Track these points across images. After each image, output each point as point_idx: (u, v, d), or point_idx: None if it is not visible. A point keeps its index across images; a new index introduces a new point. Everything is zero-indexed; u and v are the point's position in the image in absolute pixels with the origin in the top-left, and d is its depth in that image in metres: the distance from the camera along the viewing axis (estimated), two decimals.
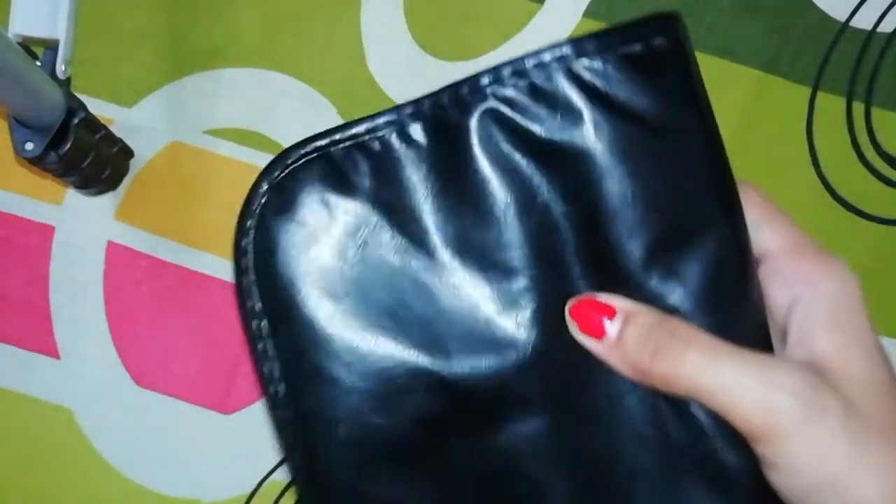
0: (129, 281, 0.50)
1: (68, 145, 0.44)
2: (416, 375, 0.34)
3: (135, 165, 0.51)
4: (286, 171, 0.36)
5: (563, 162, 0.34)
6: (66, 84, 0.45)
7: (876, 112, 0.52)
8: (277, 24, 0.52)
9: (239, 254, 0.36)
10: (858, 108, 0.52)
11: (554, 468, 0.33)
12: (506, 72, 0.34)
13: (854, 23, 0.53)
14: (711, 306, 0.32)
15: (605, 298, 0.31)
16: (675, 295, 0.32)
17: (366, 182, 0.36)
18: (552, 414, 0.33)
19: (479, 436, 0.34)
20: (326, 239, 0.36)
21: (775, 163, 0.52)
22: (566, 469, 0.33)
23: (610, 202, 0.33)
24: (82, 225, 0.51)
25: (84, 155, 0.46)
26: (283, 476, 0.48)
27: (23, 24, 0.44)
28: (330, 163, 0.36)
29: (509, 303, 0.34)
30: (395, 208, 0.36)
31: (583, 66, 0.33)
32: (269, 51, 0.51)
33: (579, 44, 0.32)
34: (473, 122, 0.34)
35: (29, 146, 0.43)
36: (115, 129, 0.49)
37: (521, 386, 0.33)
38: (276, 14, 0.52)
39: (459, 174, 0.35)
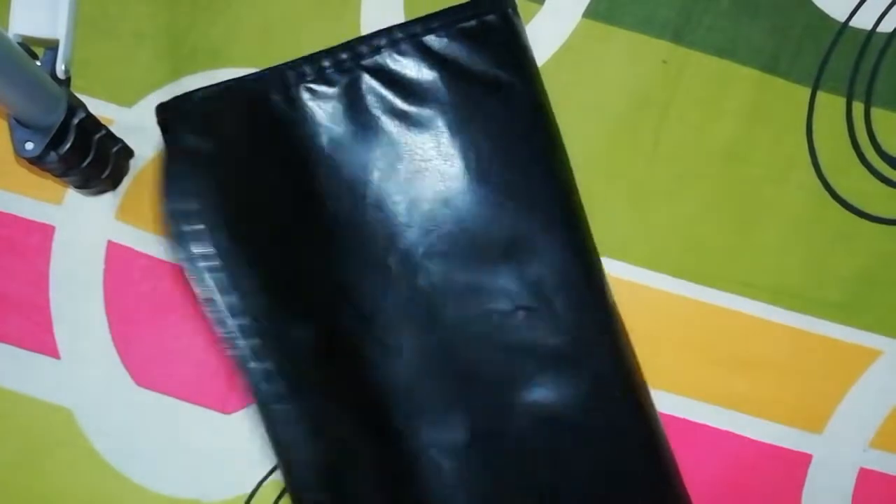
0: (129, 281, 0.50)
1: (68, 145, 0.44)
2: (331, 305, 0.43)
3: (135, 165, 0.51)
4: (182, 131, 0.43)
5: (422, 120, 0.43)
6: (66, 84, 0.45)
7: (876, 112, 0.52)
8: (277, 24, 0.52)
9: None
10: (858, 108, 0.52)
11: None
12: (365, 48, 0.43)
13: (854, 23, 0.53)
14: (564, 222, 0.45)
15: None
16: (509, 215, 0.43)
17: (264, 136, 0.43)
18: (431, 334, 0.43)
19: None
20: (236, 187, 0.43)
21: (775, 163, 0.52)
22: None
23: (460, 147, 0.43)
24: (82, 225, 0.51)
25: (84, 155, 0.46)
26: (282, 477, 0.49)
27: (23, 24, 0.44)
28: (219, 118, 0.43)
29: (392, 238, 0.43)
30: (290, 163, 0.43)
31: (431, 39, 0.43)
32: (269, 51, 0.51)
33: (426, 21, 0.43)
34: (346, 88, 0.43)
35: (29, 146, 0.43)
36: (115, 129, 0.49)
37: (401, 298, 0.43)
38: (276, 14, 0.52)
39: (343, 132, 0.43)
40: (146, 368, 0.50)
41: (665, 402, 0.49)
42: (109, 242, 0.51)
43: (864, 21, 0.53)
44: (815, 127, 0.52)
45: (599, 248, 0.48)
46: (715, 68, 0.52)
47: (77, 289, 0.50)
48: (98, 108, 0.50)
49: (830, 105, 0.52)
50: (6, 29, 0.43)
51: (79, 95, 0.46)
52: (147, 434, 0.50)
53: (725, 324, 0.51)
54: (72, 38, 0.45)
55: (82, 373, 0.50)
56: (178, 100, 0.44)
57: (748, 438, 0.50)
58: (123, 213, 0.51)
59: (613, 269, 0.50)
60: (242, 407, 0.50)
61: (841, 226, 0.52)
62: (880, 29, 0.53)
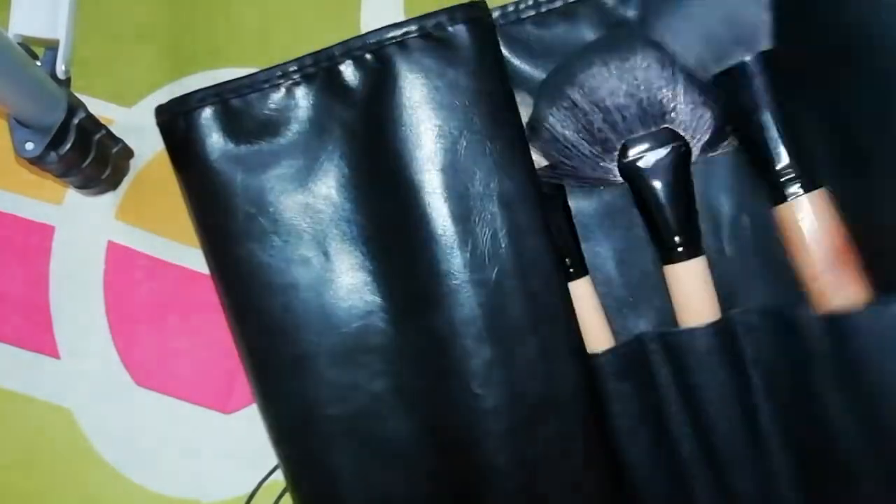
0: (129, 281, 0.50)
1: (68, 145, 0.44)
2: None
3: (135, 165, 0.51)
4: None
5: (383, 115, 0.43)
6: (66, 84, 0.45)
7: None
8: (277, 24, 0.52)
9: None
10: None
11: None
12: (359, 43, 0.44)
13: None
14: None
15: None
16: None
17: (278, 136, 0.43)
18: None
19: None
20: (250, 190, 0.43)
21: None
22: None
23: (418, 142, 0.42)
24: (82, 225, 0.51)
25: (84, 155, 0.46)
26: (282, 476, 0.49)
27: (23, 24, 0.44)
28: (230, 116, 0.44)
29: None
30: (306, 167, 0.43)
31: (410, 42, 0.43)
32: (269, 51, 0.51)
33: (404, 24, 0.43)
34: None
35: (29, 146, 0.43)
36: (115, 129, 0.49)
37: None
38: (276, 14, 0.52)
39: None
40: (146, 368, 0.50)
41: None
42: (109, 242, 0.51)
43: None
44: None
45: None
46: None
47: (77, 289, 0.50)
48: (98, 108, 0.50)
49: None
50: (6, 29, 0.43)
51: (79, 95, 0.47)
52: (147, 434, 0.50)
53: None
54: (72, 38, 0.45)
55: (82, 373, 0.50)
56: (177, 101, 0.44)
57: None
58: (123, 213, 0.51)
59: None
60: (242, 407, 0.50)
61: None
62: None
